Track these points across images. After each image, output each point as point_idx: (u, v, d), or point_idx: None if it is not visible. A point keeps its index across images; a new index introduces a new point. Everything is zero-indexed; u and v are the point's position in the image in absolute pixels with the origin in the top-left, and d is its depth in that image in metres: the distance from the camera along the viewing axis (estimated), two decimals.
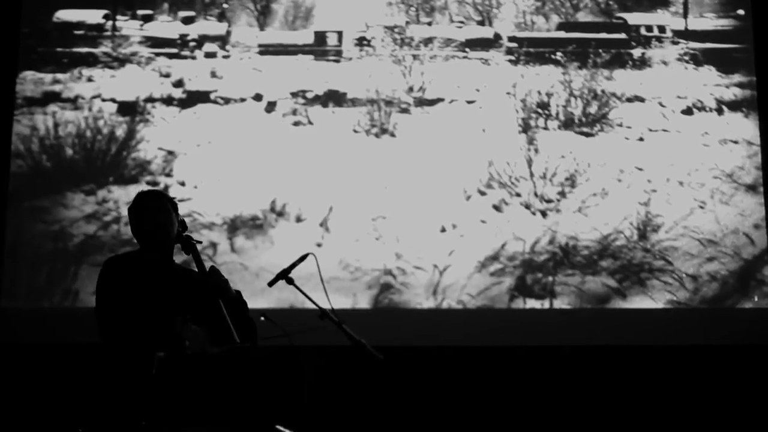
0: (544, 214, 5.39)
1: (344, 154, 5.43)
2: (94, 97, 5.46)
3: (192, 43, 5.57)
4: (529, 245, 5.34)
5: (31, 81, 5.48)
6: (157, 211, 3.24)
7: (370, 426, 4.99)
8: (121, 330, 3.02)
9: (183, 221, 3.31)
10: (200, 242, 3.31)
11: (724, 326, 5.23)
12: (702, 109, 5.56)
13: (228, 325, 2.99)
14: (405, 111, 5.51)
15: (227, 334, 2.98)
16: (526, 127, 5.50)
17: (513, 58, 5.60)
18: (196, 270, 3.21)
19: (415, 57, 5.58)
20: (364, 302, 5.24)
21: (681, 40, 5.65)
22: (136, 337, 2.97)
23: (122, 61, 5.53)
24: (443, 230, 5.34)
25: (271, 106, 5.50)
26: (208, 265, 3.25)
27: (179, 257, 3.36)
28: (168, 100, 5.48)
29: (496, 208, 5.39)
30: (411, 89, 5.54)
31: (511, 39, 5.63)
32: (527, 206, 5.40)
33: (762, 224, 5.39)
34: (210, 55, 5.57)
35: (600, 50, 5.61)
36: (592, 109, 5.54)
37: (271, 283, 3.37)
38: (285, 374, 3.00)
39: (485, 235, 5.35)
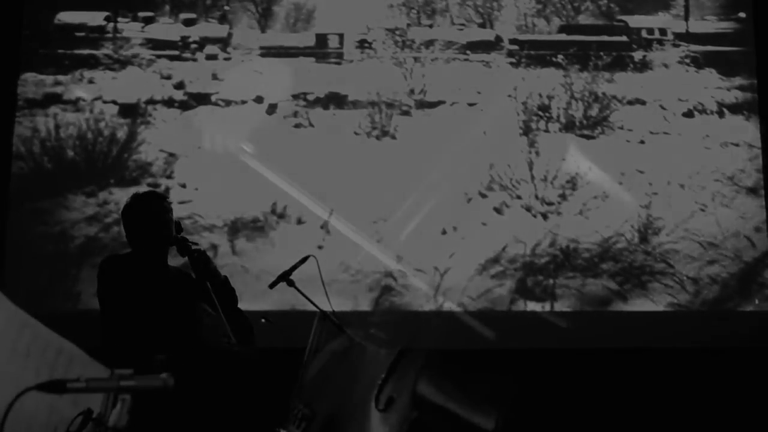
0: (545, 216, 5.39)
1: (345, 157, 5.43)
2: (95, 99, 5.46)
3: (193, 45, 5.58)
4: (530, 248, 5.34)
5: (32, 83, 5.48)
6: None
7: None
8: (124, 332, 3.02)
9: (178, 223, 3.28)
10: (196, 244, 3.30)
11: (724, 329, 5.22)
12: (703, 111, 5.55)
13: (225, 326, 2.99)
14: (406, 113, 5.51)
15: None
16: (527, 130, 5.50)
17: (514, 60, 5.60)
18: (192, 273, 3.21)
19: (416, 59, 5.58)
20: (364, 304, 5.24)
21: (682, 43, 5.65)
22: (137, 340, 2.96)
23: (123, 63, 5.53)
24: (444, 233, 5.34)
25: (272, 109, 5.50)
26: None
27: (175, 260, 3.36)
28: (169, 102, 5.48)
29: (497, 210, 5.39)
30: (412, 91, 5.54)
31: (513, 41, 5.63)
32: (528, 209, 5.40)
33: (763, 227, 5.39)
34: (211, 57, 5.56)
35: (601, 53, 5.61)
36: (593, 111, 5.54)
37: (272, 285, 3.38)
38: (285, 376, 2.99)
39: (486, 237, 5.34)
